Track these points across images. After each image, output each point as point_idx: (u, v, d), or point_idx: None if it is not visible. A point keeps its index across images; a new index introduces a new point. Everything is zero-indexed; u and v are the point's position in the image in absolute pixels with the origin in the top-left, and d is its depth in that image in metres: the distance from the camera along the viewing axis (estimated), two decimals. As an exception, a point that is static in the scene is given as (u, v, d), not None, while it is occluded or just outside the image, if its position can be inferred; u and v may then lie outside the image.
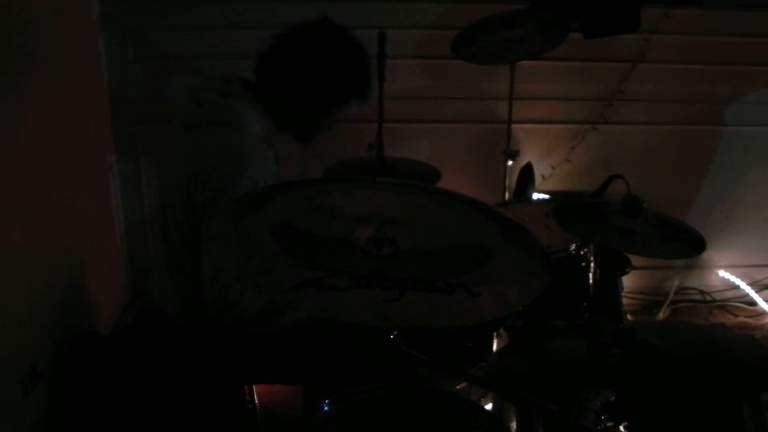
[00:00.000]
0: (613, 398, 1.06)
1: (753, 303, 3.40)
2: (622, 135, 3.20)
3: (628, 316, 1.49)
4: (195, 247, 1.76)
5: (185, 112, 1.86)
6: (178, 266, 1.84)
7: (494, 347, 2.06)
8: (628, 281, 1.55)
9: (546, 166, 3.23)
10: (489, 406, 1.92)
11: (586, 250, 2.02)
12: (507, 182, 2.87)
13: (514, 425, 1.77)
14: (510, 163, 2.85)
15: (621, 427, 1.07)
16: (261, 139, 1.81)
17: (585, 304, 2.04)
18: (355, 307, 0.99)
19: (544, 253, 1.16)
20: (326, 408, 1.36)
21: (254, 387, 2.08)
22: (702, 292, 3.45)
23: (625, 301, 1.52)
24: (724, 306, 3.42)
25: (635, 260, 1.71)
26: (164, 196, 1.87)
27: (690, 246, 1.63)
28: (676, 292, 3.40)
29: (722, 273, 3.43)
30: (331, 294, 1.00)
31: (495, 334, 2.05)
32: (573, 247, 2.00)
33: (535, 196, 2.96)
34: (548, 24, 2.63)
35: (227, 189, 1.67)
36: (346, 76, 1.88)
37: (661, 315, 3.31)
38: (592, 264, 2.04)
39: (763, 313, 3.37)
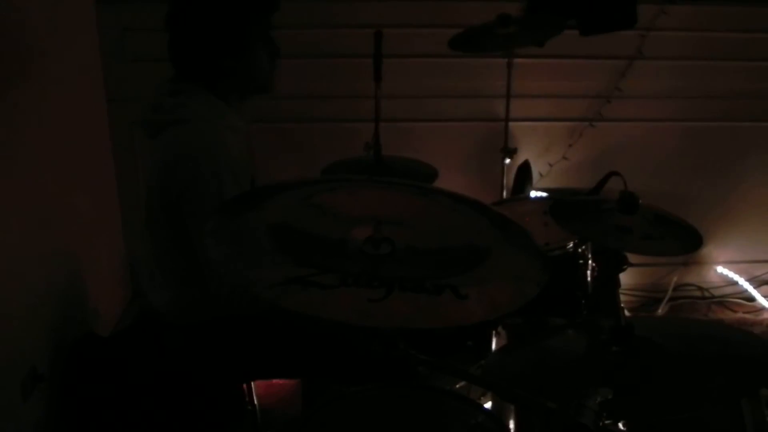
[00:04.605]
0: (612, 396, 1.06)
1: (752, 299, 3.41)
2: (620, 132, 3.20)
3: (627, 313, 1.48)
4: (181, 246, 1.76)
5: (144, 120, 1.86)
6: (168, 266, 1.84)
7: (493, 345, 2.06)
8: (626, 278, 1.55)
9: (543, 163, 3.23)
10: (488, 405, 1.92)
11: (584, 247, 2.02)
12: (504, 180, 2.88)
13: (513, 424, 1.77)
14: (507, 161, 2.85)
15: (620, 425, 1.07)
16: (226, 126, 1.80)
17: (583, 301, 2.04)
18: (337, 306, 0.97)
19: (541, 256, 1.14)
20: (325, 407, 1.36)
21: (253, 386, 2.08)
22: (701, 289, 3.45)
23: (623, 298, 1.52)
24: (722, 302, 3.42)
25: (633, 257, 1.71)
26: (147, 198, 1.88)
27: (687, 242, 1.64)
28: (675, 289, 3.40)
29: (720, 269, 3.43)
30: (315, 291, 0.98)
31: (494, 332, 2.05)
32: (571, 244, 2.01)
33: (533, 193, 2.96)
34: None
35: (202, 184, 1.68)
36: (234, 15, 1.77)
37: (659, 312, 3.32)
38: (590, 261, 2.05)
39: (761, 308, 3.37)
